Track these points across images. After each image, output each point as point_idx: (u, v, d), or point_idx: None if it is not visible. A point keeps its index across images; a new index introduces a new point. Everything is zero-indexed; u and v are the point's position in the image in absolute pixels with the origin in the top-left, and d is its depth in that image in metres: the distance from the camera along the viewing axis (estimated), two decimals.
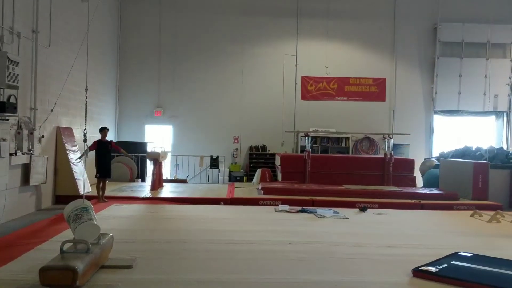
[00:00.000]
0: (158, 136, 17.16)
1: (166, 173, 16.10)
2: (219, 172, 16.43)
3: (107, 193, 11.19)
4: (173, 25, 17.27)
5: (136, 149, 15.51)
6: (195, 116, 17.32)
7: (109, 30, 16.30)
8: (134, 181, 14.81)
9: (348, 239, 7.48)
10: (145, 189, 12.92)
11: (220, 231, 7.83)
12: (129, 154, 15.17)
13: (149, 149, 14.86)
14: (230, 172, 16.90)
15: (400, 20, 17.34)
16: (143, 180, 15.30)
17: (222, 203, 11.05)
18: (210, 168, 16.44)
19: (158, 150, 13.23)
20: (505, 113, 17.70)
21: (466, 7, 17.31)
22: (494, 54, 17.49)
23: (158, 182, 12.77)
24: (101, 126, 11.56)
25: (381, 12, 17.43)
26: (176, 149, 16.86)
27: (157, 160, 12.81)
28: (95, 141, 11.07)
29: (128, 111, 17.27)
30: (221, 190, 13.05)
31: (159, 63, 17.26)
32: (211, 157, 16.43)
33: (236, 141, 17.37)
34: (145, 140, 16.80)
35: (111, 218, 8.69)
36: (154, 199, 11.32)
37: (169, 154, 15.57)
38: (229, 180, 16.40)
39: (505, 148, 16.22)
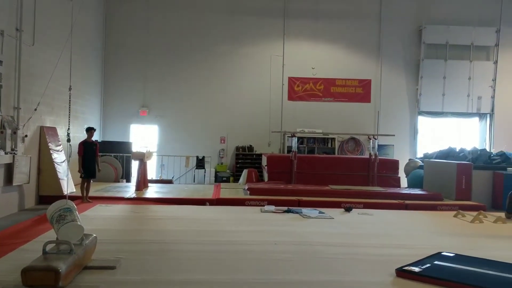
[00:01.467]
0: (143, 136, 17.06)
1: (152, 173, 16.01)
2: (205, 172, 16.39)
3: (91, 194, 11.09)
4: (161, 24, 17.19)
5: (121, 149, 15.41)
6: (181, 116, 17.25)
7: (95, 29, 16.16)
8: (119, 182, 14.70)
9: (333, 239, 7.52)
10: (130, 189, 12.83)
11: (205, 231, 7.81)
12: (114, 154, 15.14)
13: (134, 149, 14.77)
14: (216, 172, 16.87)
15: (385, 22, 17.49)
16: (128, 180, 15.19)
17: (207, 203, 11.02)
18: (196, 168, 16.39)
19: (143, 150, 13.15)
20: (488, 115, 17.95)
21: (451, 9, 17.52)
22: (477, 56, 17.73)
23: (143, 183, 12.70)
24: (87, 126, 11.42)
25: (367, 14, 17.56)
26: (162, 149, 16.77)
27: (142, 160, 12.73)
28: (80, 143, 10.92)
29: (113, 110, 17.14)
30: (207, 190, 13.02)
31: (146, 62, 17.15)
32: (197, 157, 16.38)
33: (222, 141, 17.35)
34: (130, 140, 16.69)
35: (95, 219, 8.62)
36: (139, 200, 11.25)
37: (155, 154, 15.49)
38: (215, 181, 16.37)
39: (488, 150, 16.47)
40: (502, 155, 14.00)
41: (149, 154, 13.54)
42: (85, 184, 10.76)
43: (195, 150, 16.63)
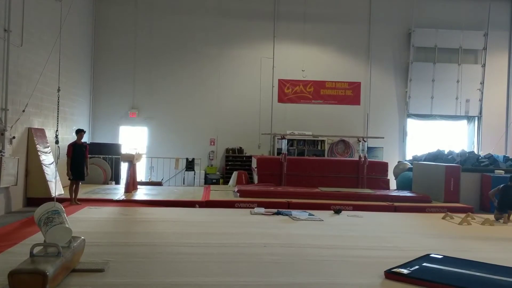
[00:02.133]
0: (133, 138, 16.97)
1: (141, 175, 15.93)
2: (194, 174, 16.35)
3: (80, 196, 11.00)
4: (150, 26, 17.12)
5: (110, 150, 15.31)
6: (171, 118, 17.20)
7: (84, 30, 16.06)
8: (107, 183, 14.61)
9: (323, 241, 7.54)
10: (119, 191, 12.76)
11: (195, 234, 7.79)
12: (104, 156, 15.05)
13: (124, 151, 14.69)
14: (206, 174, 16.83)
15: (375, 25, 17.60)
16: (117, 182, 15.10)
17: (197, 205, 10.99)
18: (186, 170, 16.34)
19: (133, 152, 13.08)
20: (476, 118, 18.12)
21: (439, 13, 17.68)
22: (466, 59, 17.89)
23: (132, 185, 12.63)
24: (77, 128, 11.34)
25: (357, 17, 17.65)
26: (151, 151, 16.69)
27: (131, 162, 12.67)
28: (69, 145, 10.86)
29: (103, 112, 17.03)
30: (197, 192, 12.99)
31: (135, 64, 17.08)
32: (187, 159, 16.34)
33: (212, 143, 17.32)
34: (120, 142, 16.60)
35: (83, 221, 8.56)
36: (128, 202, 11.19)
37: (144, 156, 15.41)
38: (205, 183, 16.33)
39: (476, 152, 16.62)
40: (490, 157, 14.15)
41: (139, 156, 13.48)
42: (74, 186, 10.68)
43: (184, 152, 16.58)
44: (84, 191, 12.37)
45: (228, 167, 16.93)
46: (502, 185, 10.57)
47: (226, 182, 16.25)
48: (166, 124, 17.16)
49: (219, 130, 17.22)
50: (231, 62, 17.40)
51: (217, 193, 12.84)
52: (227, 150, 17.27)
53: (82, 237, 5.68)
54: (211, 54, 17.27)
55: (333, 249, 6.98)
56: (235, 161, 17.06)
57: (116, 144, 16.16)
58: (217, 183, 16.38)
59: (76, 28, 14.95)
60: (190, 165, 16.37)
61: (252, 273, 5.61)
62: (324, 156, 17.25)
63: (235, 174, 15.20)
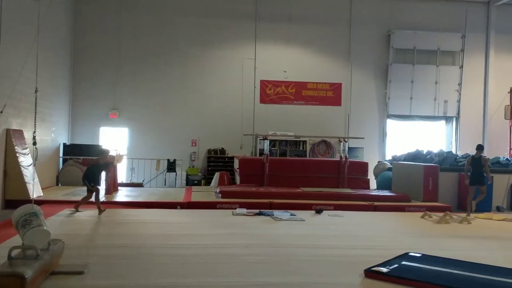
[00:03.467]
0: (113, 139, 16.80)
1: (122, 176, 15.79)
2: (176, 175, 16.27)
3: (59, 197, 10.87)
4: (131, 26, 16.98)
5: (90, 152, 15.15)
6: (152, 119, 17.08)
7: (63, 30, 15.85)
8: None
9: (304, 241, 7.59)
10: (99, 193, 12.60)
11: (176, 235, 7.77)
12: (84, 157, 14.88)
13: None
14: (187, 175, 16.77)
15: (355, 27, 17.77)
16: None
17: (179, 207, 10.94)
18: (167, 171, 16.26)
19: (113, 153, 12.96)
20: (454, 118, 18.43)
21: (418, 15, 17.94)
22: (444, 61, 18.20)
23: (112, 186, 12.52)
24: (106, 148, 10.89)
25: (338, 19, 17.79)
26: (132, 152, 16.55)
27: (112, 163, 12.54)
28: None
29: (83, 113, 16.82)
30: (178, 193, 12.94)
31: (116, 64, 16.91)
32: (168, 160, 16.26)
33: (194, 144, 17.26)
34: (100, 143, 16.43)
35: (63, 223, 8.46)
36: (109, 203, 11.07)
37: (125, 157, 15.28)
38: (187, 184, 16.26)
39: (454, 152, 16.90)
40: (467, 157, 14.35)
41: (119, 157, 13.35)
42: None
43: (166, 153, 16.49)
44: (63, 193, 12.23)
45: (210, 168, 16.90)
46: (469, 157, 11.45)
47: (208, 183, 16.21)
48: (147, 125, 17.04)
49: (201, 131, 17.17)
50: (213, 62, 17.37)
51: (199, 194, 12.81)
52: (209, 151, 17.24)
53: (62, 240, 5.62)
54: (193, 54, 17.22)
55: (314, 249, 7.04)
56: (217, 162, 17.03)
57: (96, 145, 16.00)
58: (199, 184, 16.33)
59: (55, 27, 14.75)
60: (171, 166, 16.29)
61: (234, 274, 5.62)
62: (306, 156, 17.35)
63: (217, 175, 15.18)
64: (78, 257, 5.94)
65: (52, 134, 14.83)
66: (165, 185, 16.18)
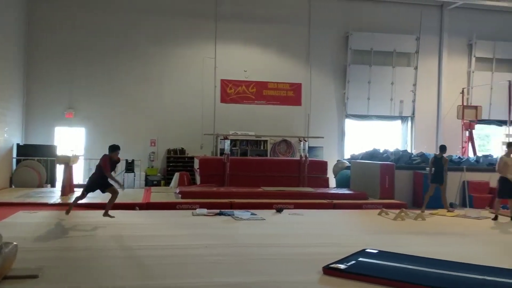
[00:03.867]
0: (69, 139, 16.34)
1: (78, 178, 15.37)
2: (134, 176, 16.00)
3: (12, 199, 10.48)
4: (87, 23, 16.56)
5: (45, 152, 14.70)
6: (110, 118, 16.73)
7: (15, 27, 15.27)
8: (43, 186, 14.01)
9: (264, 240, 7.64)
10: (54, 194, 12.26)
11: (134, 237, 7.65)
12: (38, 158, 14.41)
13: (59, 152, 14.13)
14: (146, 176, 16.53)
15: (314, 28, 18.00)
16: (53, 185, 14.52)
17: (137, 208, 10.77)
18: (125, 172, 15.95)
19: (69, 154, 12.62)
20: (409, 118, 18.99)
21: (375, 17, 18.37)
22: (399, 62, 18.72)
23: (68, 188, 12.18)
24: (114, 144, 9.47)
25: (297, 19, 17.97)
26: (89, 152, 16.12)
27: (67, 164, 12.21)
28: (107, 158, 9.09)
29: (37, 112, 16.27)
30: (137, 194, 12.72)
31: (72, 63, 16.46)
32: (126, 160, 15.95)
33: (153, 144, 17.03)
34: (55, 143, 15.95)
35: (16, 226, 8.17)
36: (65, 205, 10.75)
37: (81, 157, 14.90)
38: (146, 185, 16.03)
39: (409, 151, 17.41)
40: (421, 155, 14.86)
41: (75, 158, 13.01)
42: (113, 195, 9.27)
43: (124, 153, 15.98)
44: (17, 195, 11.81)
45: (169, 169, 16.72)
46: (432, 157, 11.90)
47: (167, 183, 16.04)
48: (105, 124, 16.67)
49: (160, 131, 16.96)
50: (172, 61, 17.19)
51: (158, 195, 12.65)
52: (169, 151, 17.05)
53: (14, 243, 5.42)
54: (152, 52, 16.98)
55: (274, 248, 7.09)
56: (177, 162, 16.87)
57: (51, 145, 15.54)
58: (158, 184, 16.12)
59: (8, 27, 14.23)
60: (129, 167, 16.00)
61: (194, 275, 5.59)
62: (266, 156, 17.44)
63: (176, 175, 15.04)
64: (32, 261, 5.74)
65: (5, 135, 14.30)
66: (123, 186, 15.86)
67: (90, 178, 9.55)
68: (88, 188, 9.07)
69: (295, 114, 18.01)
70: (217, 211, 10.27)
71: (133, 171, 16.02)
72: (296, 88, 18.00)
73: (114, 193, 9.26)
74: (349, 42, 18.16)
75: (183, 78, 17.24)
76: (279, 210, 10.74)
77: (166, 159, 16.98)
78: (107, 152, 9.21)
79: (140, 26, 16.91)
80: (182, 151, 17.12)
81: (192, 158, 16.74)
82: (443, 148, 11.82)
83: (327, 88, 18.35)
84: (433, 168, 11.61)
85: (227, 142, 14.85)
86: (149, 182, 16.20)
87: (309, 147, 15.88)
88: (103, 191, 9.26)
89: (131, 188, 15.22)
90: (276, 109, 17.85)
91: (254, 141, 17.70)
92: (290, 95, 17.97)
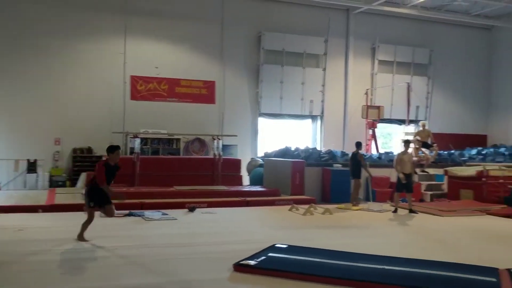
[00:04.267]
0: None
1: None
2: (37, 177, 15.02)
3: None
4: None
5: None
6: (9, 115, 15.50)
7: None
8: None
9: (175, 240, 7.53)
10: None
11: (37, 241, 7.17)
12: None
13: None
14: (51, 176, 15.56)
15: (228, 26, 18.01)
16: None
17: (40, 210, 10.11)
18: (27, 172, 14.93)
19: None
20: (319, 117, 19.71)
21: (286, 19, 18.79)
22: (309, 63, 19.34)
23: None
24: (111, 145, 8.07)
25: (210, 18, 17.85)
26: None
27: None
28: (101, 165, 7.49)
29: None
30: (40, 196, 11.96)
31: None
32: (28, 160, 14.93)
33: (57, 142, 16.03)
34: None
35: None
36: None
37: None
38: (50, 186, 15.09)
39: (318, 148, 18.08)
40: (329, 153, 15.50)
41: None
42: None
43: (25, 153, 15.13)
44: None
45: (76, 169, 15.86)
46: (351, 153, 12.60)
47: (73, 184, 15.22)
48: (4, 122, 15.43)
49: (65, 129, 16.01)
50: (79, 56, 16.32)
51: (63, 196, 11.98)
52: (75, 150, 16.17)
53: None
54: (55, 47, 15.97)
55: (185, 247, 7.01)
56: (84, 161, 16.03)
57: None
58: (63, 185, 15.25)
59: None
60: (32, 167, 15.01)
61: (100, 277, 5.36)
62: (179, 154, 17.18)
63: (83, 176, 14.31)
64: None
65: None
66: (25, 187, 14.86)
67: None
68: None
69: (208, 112, 17.92)
70: (127, 212, 9.94)
71: (35, 172, 15.03)
72: (209, 86, 17.91)
73: (109, 212, 7.43)
74: (261, 42, 18.42)
75: (90, 74, 16.42)
76: (192, 209, 10.64)
77: (72, 159, 16.09)
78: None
79: (40, 17, 15.80)
80: (89, 150, 16.32)
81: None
82: (358, 145, 12.55)
83: (241, 87, 18.49)
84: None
85: (137, 141, 14.44)
86: (53, 183, 15.27)
87: (223, 145, 15.89)
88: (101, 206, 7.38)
89: (33, 190, 14.29)
90: (189, 107, 17.63)
91: (166, 139, 17.35)
92: (204, 93, 17.86)
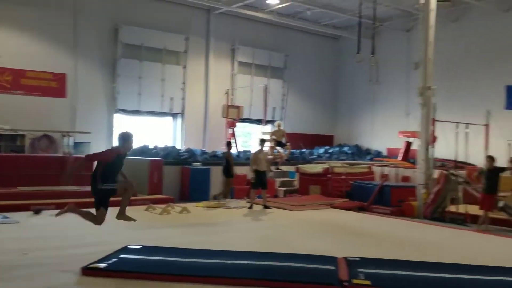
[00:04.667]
0: None
1: None
2: None
3: None
4: None
5: None
6: None
7: None
8: None
9: (16, 245, 6.90)
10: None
11: None
12: None
13: None
14: None
15: (81, 17, 16.86)
16: None
17: None
18: None
19: None
20: (179, 115, 19.59)
21: (146, 13, 18.28)
22: (169, 60, 19.05)
23: None
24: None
25: (61, 5, 16.55)
26: None
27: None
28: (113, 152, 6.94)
29: None
30: None
31: None
32: None
33: None
34: None
35: None
36: None
37: None
38: None
39: (179, 146, 17.99)
40: (189, 151, 15.54)
41: None
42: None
43: None
44: None
45: None
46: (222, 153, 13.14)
47: None
48: None
49: None
50: None
51: None
52: None
53: None
54: None
55: (31, 252, 6.44)
56: None
57: None
58: None
59: None
60: None
61: None
62: (24, 152, 15.66)
63: None
64: None
65: None
66: None
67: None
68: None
69: (59, 107, 16.59)
70: None
71: None
72: (60, 78, 16.60)
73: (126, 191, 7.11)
74: (119, 35, 17.65)
75: None
76: (37, 212, 9.77)
77: None
78: None
79: None
80: None
81: None
82: (228, 144, 12.90)
83: (96, 81, 17.48)
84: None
85: None
86: None
87: (75, 142, 14.95)
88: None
89: None
90: (37, 100, 16.10)
91: (9, 135, 15.62)
92: (53, 86, 16.50)
